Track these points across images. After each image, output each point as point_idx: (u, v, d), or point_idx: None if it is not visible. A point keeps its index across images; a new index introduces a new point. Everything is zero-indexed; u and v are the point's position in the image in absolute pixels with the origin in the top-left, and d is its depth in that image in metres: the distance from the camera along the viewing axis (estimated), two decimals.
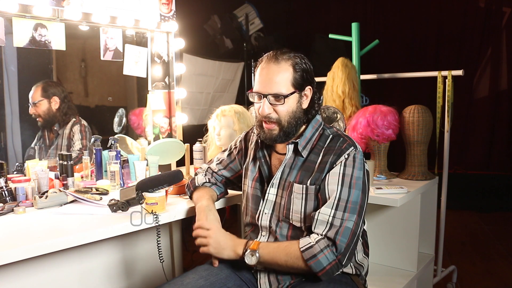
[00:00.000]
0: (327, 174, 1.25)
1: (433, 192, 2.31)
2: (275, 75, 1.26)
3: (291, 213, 1.30)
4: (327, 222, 1.19)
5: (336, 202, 1.21)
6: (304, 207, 1.28)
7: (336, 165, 1.25)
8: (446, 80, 2.42)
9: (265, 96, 1.28)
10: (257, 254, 1.23)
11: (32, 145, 1.94)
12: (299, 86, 1.29)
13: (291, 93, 1.27)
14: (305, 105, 1.33)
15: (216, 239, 1.28)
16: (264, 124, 1.32)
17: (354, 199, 1.22)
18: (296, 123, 1.31)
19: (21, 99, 1.89)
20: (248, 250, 1.24)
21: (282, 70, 1.27)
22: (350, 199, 1.21)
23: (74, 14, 1.91)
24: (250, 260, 1.23)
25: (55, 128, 2.02)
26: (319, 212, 1.22)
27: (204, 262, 1.40)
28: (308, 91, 1.33)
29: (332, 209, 1.20)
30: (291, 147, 1.33)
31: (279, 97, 1.27)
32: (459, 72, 2.39)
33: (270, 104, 1.28)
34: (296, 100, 1.30)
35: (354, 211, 1.21)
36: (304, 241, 1.20)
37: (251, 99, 1.34)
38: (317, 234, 1.20)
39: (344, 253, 1.18)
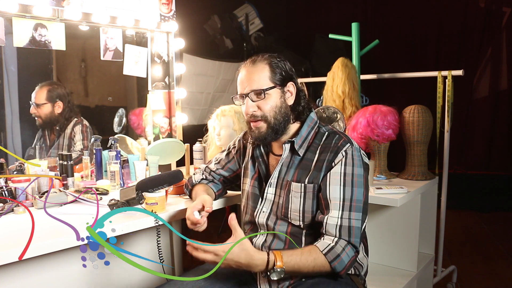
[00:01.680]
0: (328, 174, 1.25)
1: (433, 192, 2.31)
2: (252, 74, 1.31)
3: (289, 212, 1.30)
4: (337, 225, 1.21)
5: (341, 203, 1.22)
6: (303, 206, 1.28)
7: (336, 165, 1.25)
8: (446, 80, 2.42)
9: (246, 95, 1.31)
10: (284, 269, 1.15)
11: (33, 145, 1.94)
12: (279, 82, 1.31)
13: (271, 88, 1.30)
14: (290, 101, 1.34)
15: (237, 260, 1.16)
16: (251, 124, 1.34)
17: (358, 197, 1.23)
18: (284, 120, 1.32)
19: (21, 99, 1.89)
20: (278, 269, 1.15)
21: (259, 69, 1.31)
22: (354, 197, 1.23)
23: (74, 14, 1.91)
24: (276, 276, 1.15)
25: (56, 128, 2.02)
26: (327, 217, 1.22)
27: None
28: (291, 87, 1.34)
29: (339, 210, 1.22)
30: (287, 146, 1.33)
31: (259, 93, 1.29)
32: (459, 72, 2.39)
33: (253, 101, 1.30)
34: (278, 96, 1.31)
35: (359, 209, 1.23)
36: (323, 244, 1.19)
37: (236, 104, 1.38)
38: (331, 236, 1.20)
39: (358, 249, 1.22)
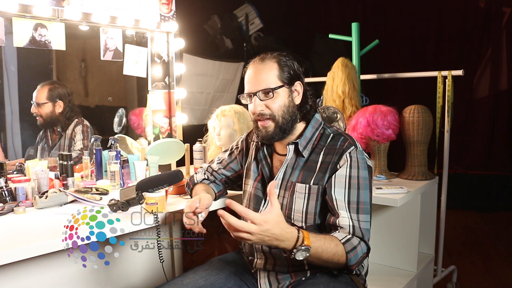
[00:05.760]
0: (333, 177, 1.25)
1: (433, 192, 2.31)
2: (261, 73, 1.30)
3: (293, 213, 1.30)
4: (349, 225, 1.20)
5: (349, 205, 1.22)
6: (306, 207, 1.28)
7: (341, 167, 1.25)
8: (446, 80, 2.42)
9: (255, 94, 1.30)
10: (309, 248, 1.10)
11: (34, 145, 1.94)
12: (287, 81, 1.31)
13: (279, 87, 1.29)
14: (297, 100, 1.34)
15: (273, 232, 1.06)
16: (259, 123, 1.33)
17: (365, 200, 1.24)
18: (291, 119, 1.32)
19: (21, 99, 1.89)
20: (303, 247, 1.08)
21: (267, 67, 1.30)
22: (361, 200, 1.23)
23: (74, 14, 1.91)
24: (301, 255, 1.09)
25: (58, 129, 2.02)
26: (339, 218, 1.21)
27: (204, 262, 1.40)
28: (299, 86, 1.34)
29: (348, 213, 1.21)
30: (291, 147, 1.33)
31: (267, 92, 1.29)
32: (459, 72, 2.39)
33: (261, 100, 1.30)
34: (286, 95, 1.31)
35: (367, 211, 1.23)
36: (340, 235, 1.18)
37: (243, 102, 1.37)
38: (345, 232, 1.19)
39: (369, 248, 1.22)
